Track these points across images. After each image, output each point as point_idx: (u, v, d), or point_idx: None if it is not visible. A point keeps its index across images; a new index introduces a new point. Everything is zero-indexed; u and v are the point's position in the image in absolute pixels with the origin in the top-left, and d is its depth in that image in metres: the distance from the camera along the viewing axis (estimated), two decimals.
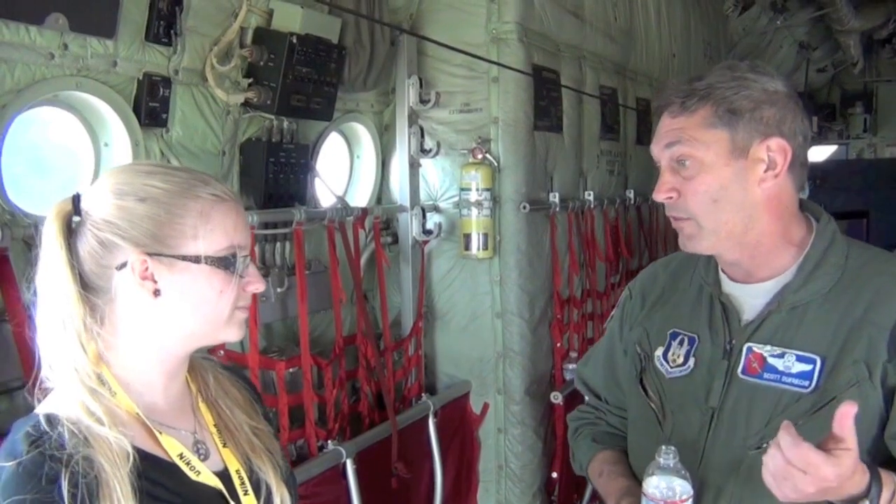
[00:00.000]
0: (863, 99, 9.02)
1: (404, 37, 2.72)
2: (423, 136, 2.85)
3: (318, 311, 2.55)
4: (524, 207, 2.84)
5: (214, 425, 1.10)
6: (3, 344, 1.63)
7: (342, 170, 2.85)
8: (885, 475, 1.10)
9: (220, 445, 1.09)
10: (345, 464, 2.27)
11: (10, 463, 0.90)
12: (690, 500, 1.16)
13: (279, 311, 2.41)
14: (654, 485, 1.14)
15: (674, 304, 1.40)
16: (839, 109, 9.15)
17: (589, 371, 1.59)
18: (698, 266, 1.37)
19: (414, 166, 2.86)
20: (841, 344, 1.20)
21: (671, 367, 1.33)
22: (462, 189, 2.79)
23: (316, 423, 2.31)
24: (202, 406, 1.11)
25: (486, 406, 2.96)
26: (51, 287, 0.99)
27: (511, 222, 2.86)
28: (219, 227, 1.01)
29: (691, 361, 1.31)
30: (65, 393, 0.98)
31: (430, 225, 2.87)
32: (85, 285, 0.99)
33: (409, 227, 2.83)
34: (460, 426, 2.92)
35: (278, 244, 2.39)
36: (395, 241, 2.89)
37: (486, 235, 2.80)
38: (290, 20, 2.18)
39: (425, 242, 2.87)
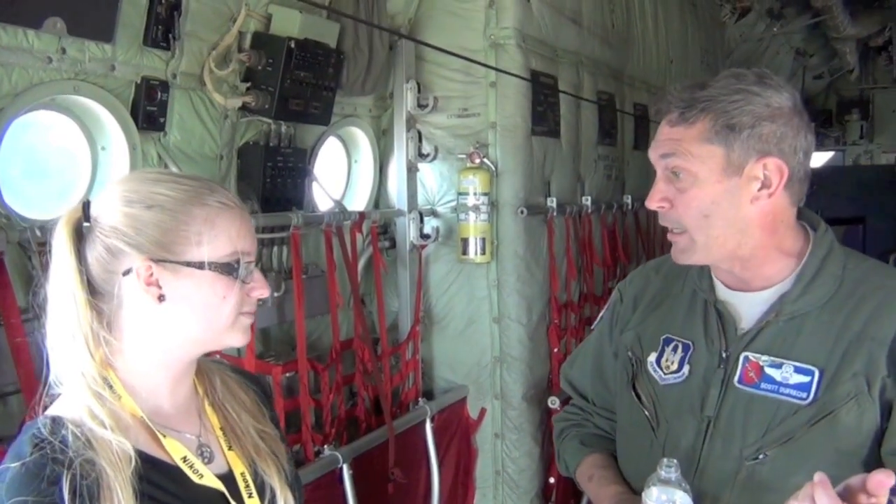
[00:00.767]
0: (859, 106, 9.06)
1: (402, 41, 2.72)
2: (420, 140, 2.85)
3: (316, 316, 2.54)
4: (522, 212, 2.85)
5: (220, 428, 1.11)
6: None
7: (340, 174, 2.85)
8: None
9: (225, 448, 1.10)
10: (341, 469, 2.26)
11: (15, 464, 0.92)
12: None
13: (276, 316, 2.41)
14: (655, 497, 1.13)
15: (667, 309, 1.39)
16: (836, 116, 9.19)
17: (575, 372, 1.58)
18: (691, 271, 1.37)
19: (412, 171, 2.87)
20: (840, 356, 1.19)
21: (665, 374, 1.33)
22: (460, 193, 2.79)
23: (312, 427, 2.30)
24: (208, 409, 1.12)
25: (483, 411, 2.96)
26: (60, 292, 1.01)
27: (509, 227, 2.86)
28: (223, 234, 1.03)
29: (686, 368, 1.30)
30: (71, 396, 1.00)
31: (427, 229, 2.87)
32: (93, 291, 1.01)
33: (407, 231, 2.83)
34: (457, 431, 2.91)
35: (276, 248, 2.39)
36: (393, 245, 2.89)
37: (483, 240, 2.80)
38: (289, 25, 2.18)
39: (423, 247, 2.87)
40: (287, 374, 2.26)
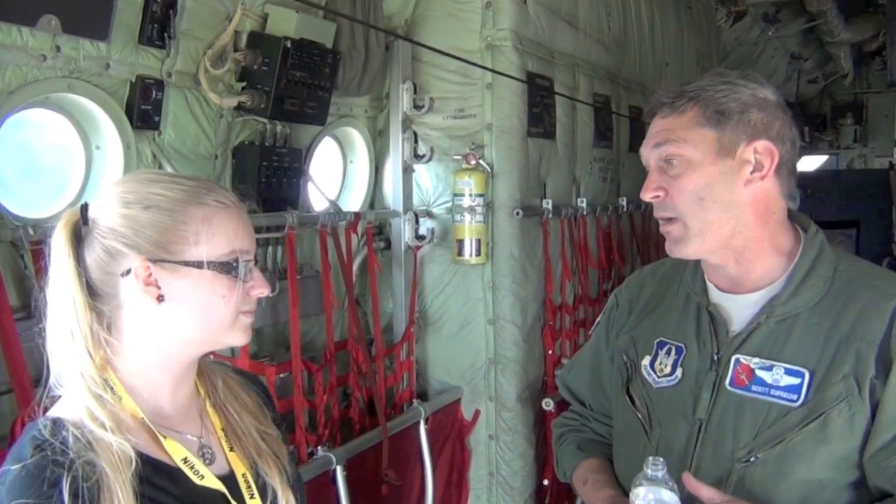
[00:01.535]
0: (853, 110, 9.11)
1: (399, 42, 2.72)
2: (416, 141, 2.85)
3: (310, 316, 2.54)
4: (517, 213, 2.85)
5: (222, 429, 1.11)
6: None
7: (335, 174, 2.84)
8: None
9: (226, 449, 1.10)
10: (335, 470, 2.26)
11: (16, 466, 0.92)
12: None
13: (270, 316, 2.40)
14: (642, 496, 1.13)
15: (661, 313, 1.39)
16: (830, 120, 9.24)
17: (573, 378, 1.58)
18: (685, 274, 1.37)
19: (407, 171, 2.86)
20: (830, 358, 1.20)
21: (658, 377, 1.33)
22: (455, 195, 2.79)
23: (306, 428, 2.30)
24: (210, 410, 1.12)
25: (477, 413, 2.95)
26: (59, 295, 1.01)
27: (504, 228, 2.86)
28: (221, 233, 1.02)
29: (678, 371, 1.31)
30: (72, 398, 1.00)
31: (422, 230, 2.87)
32: (92, 293, 1.01)
33: (402, 232, 2.83)
34: (451, 433, 2.91)
35: (270, 248, 2.39)
36: (388, 246, 2.89)
37: (478, 241, 2.80)
38: (285, 24, 2.18)
39: (418, 248, 2.87)
40: (281, 375, 2.26)
